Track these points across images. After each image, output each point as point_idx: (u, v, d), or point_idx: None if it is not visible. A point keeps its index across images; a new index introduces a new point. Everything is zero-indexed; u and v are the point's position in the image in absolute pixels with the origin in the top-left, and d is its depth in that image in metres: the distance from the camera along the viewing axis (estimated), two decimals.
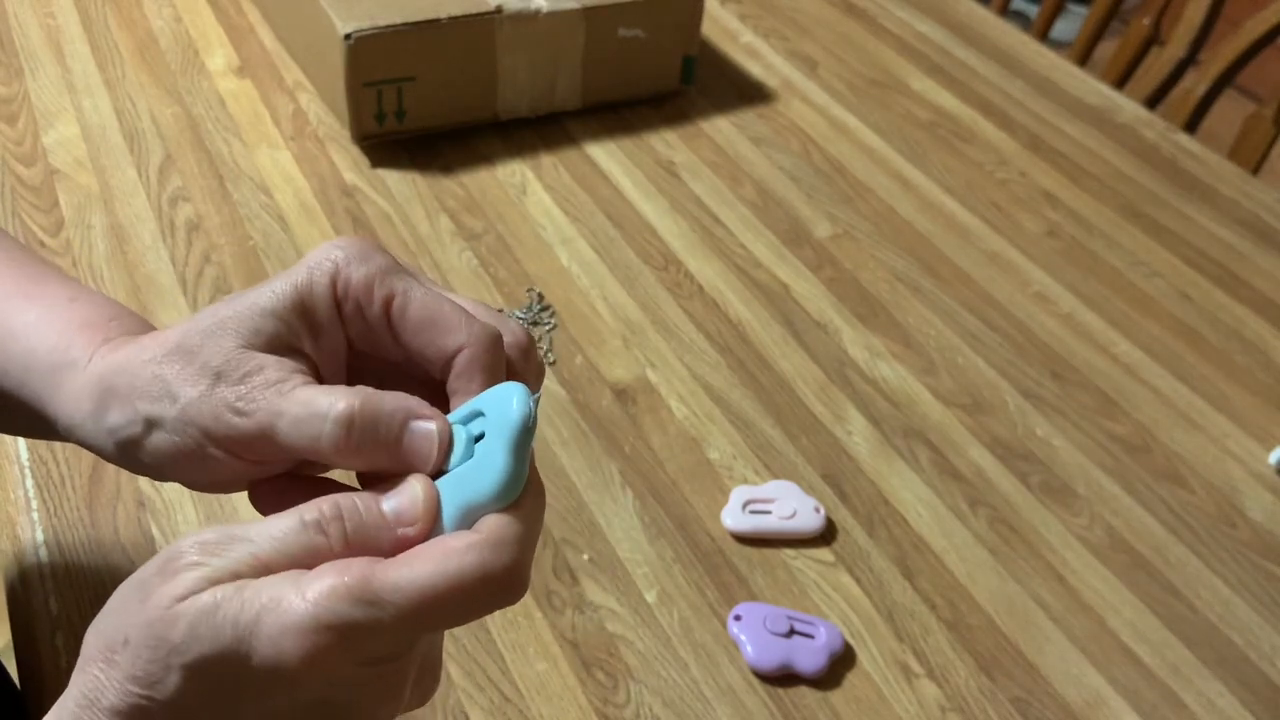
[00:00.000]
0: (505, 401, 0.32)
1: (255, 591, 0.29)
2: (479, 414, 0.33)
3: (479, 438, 0.33)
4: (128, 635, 0.30)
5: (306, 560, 0.30)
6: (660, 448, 0.69)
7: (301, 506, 0.31)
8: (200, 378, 0.33)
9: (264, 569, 0.30)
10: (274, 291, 0.34)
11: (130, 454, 0.35)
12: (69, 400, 0.36)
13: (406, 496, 0.32)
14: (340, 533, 0.31)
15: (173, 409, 0.33)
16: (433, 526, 0.32)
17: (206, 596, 0.29)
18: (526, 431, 0.32)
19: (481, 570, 0.30)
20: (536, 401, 0.33)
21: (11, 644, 0.57)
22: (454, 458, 0.33)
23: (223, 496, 0.63)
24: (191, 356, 0.33)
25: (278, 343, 0.34)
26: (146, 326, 0.40)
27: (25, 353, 0.38)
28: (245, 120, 0.92)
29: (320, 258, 0.34)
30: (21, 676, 0.56)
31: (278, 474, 0.35)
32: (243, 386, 0.33)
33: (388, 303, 0.34)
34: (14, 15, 1.00)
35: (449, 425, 0.33)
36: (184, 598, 0.29)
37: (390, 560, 0.30)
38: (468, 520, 0.32)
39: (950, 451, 0.71)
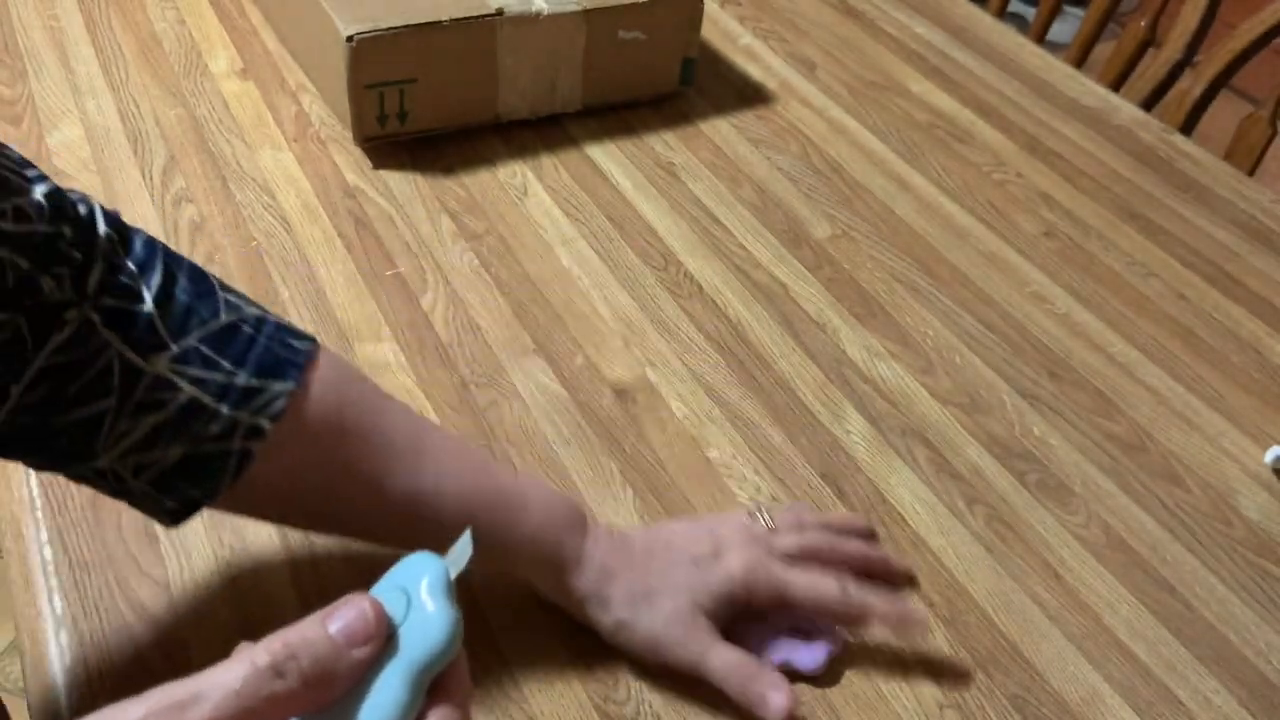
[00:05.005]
0: (418, 565, 0.35)
1: None
2: (398, 587, 0.35)
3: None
4: None
5: (269, 709, 0.30)
6: (660, 447, 0.70)
7: (250, 650, 0.31)
8: None
9: None
10: None
11: None
12: None
13: (353, 613, 0.32)
14: (298, 671, 0.31)
15: None
16: (384, 645, 0.33)
17: None
18: (449, 580, 0.34)
19: None
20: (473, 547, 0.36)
21: (15, 643, 0.57)
22: (398, 616, 0.34)
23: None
24: None
25: None
26: None
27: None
28: (248, 122, 0.92)
29: None
30: (24, 676, 0.56)
31: None
32: None
33: None
34: (17, 17, 1.01)
35: (367, 596, 0.34)
36: None
37: None
38: (426, 676, 0.33)
39: (948, 451, 0.72)
